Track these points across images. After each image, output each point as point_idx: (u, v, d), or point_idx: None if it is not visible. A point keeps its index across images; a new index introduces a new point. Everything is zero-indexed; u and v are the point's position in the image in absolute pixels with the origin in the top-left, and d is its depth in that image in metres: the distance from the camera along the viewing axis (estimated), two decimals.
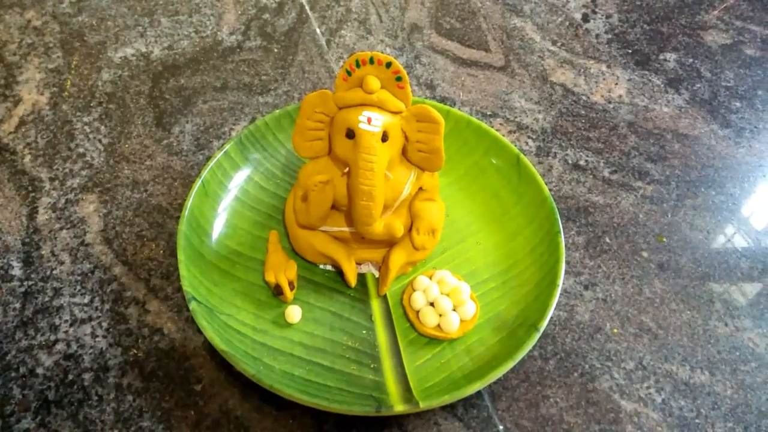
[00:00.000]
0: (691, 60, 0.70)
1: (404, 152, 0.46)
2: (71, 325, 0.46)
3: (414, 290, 0.48)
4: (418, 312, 0.47)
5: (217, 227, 0.51)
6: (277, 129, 0.56)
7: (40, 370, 0.44)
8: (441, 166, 0.46)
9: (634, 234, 0.54)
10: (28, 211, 0.53)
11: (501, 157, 0.55)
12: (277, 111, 0.56)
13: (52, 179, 0.55)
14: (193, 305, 0.43)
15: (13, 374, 0.44)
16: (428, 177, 0.48)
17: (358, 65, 0.43)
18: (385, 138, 0.43)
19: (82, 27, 0.68)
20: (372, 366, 0.45)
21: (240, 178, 0.54)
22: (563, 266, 0.47)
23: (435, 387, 0.43)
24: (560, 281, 0.46)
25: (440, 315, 0.46)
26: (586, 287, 0.51)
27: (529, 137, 0.61)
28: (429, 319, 0.46)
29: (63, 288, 0.48)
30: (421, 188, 0.48)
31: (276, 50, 0.68)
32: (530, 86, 0.66)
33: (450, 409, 0.44)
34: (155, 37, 0.68)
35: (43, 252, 0.50)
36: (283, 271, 0.48)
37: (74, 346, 0.45)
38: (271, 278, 0.47)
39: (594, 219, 0.55)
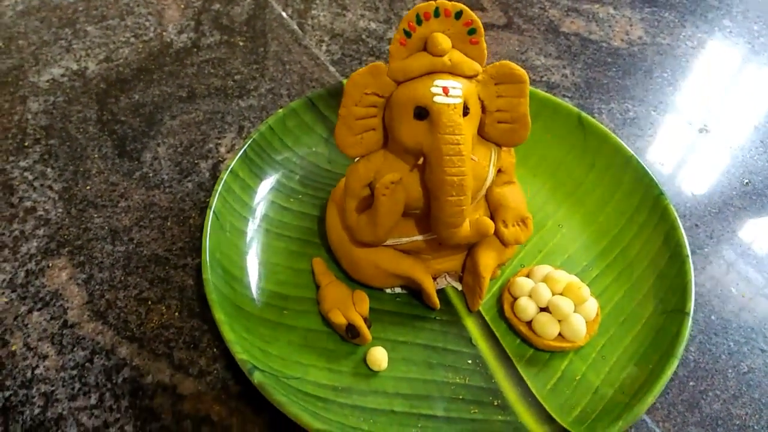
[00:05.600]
0: None
1: (480, 127, 0.36)
2: None
3: (515, 297, 0.38)
4: (530, 322, 0.37)
5: (246, 268, 0.39)
6: (284, 133, 0.45)
7: None
8: (526, 137, 0.37)
9: (719, 182, 0.48)
10: None
11: (556, 120, 0.46)
12: (280, 111, 0.45)
13: None
14: (257, 377, 0.32)
15: None
16: (506, 154, 0.38)
17: (419, 21, 0.33)
18: (466, 111, 0.33)
19: None
20: (496, 403, 0.35)
21: (255, 201, 0.42)
22: (682, 231, 0.39)
23: (587, 413, 0.34)
24: (687, 250, 0.38)
25: (560, 321, 0.37)
26: (692, 252, 0.43)
27: (564, 95, 0.53)
28: (549, 329, 0.36)
29: (56, 391, 0.35)
30: (499, 170, 0.38)
31: (242, 44, 0.56)
32: (543, 41, 0.58)
33: None
34: (85, 50, 0.54)
35: (13, 348, 0.37)
36: (351, 306, 0.37)
37: None
38: (339, 318, 0.36)
39: (670, 173, 0.48)
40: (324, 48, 0.56)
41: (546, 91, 0.53)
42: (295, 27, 0.57)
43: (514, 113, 0.36)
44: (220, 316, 0.34)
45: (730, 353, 0.39)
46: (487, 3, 0.61)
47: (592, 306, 0.37)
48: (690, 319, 0.35)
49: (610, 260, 0.41)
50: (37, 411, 0.34)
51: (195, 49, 0.55)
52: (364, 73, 0.34)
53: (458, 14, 0.33)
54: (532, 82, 0.54)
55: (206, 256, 0.37)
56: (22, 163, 0.46)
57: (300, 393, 0.34)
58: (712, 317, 0.40)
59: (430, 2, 0.33)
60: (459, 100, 0.33)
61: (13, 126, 0.48)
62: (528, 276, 0.39)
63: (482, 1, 0.61)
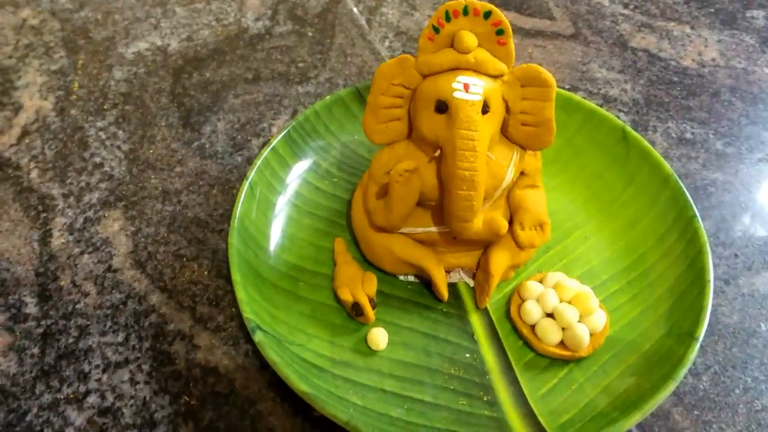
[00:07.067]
0: None
1: (504, 127, 0.37)
2: (104, 371, 0.37)
3: (524, 300, 0.39)
4: (533, 326, 0.38)
5: (271, 238, 0.42)
6: (329, 119, 0.47)
7: (69, 431, 0.35)
8: (551, 142, 0.37)
9: None
10: (40, 234, 0.44)
11: (600, 132, 0.46)
12: (328, 97, 0.47)
13: (65, 195, 0.46)
14: (258, 336, 0.34)
15: None
16: (530, 157, 0.39)
17: (448, 18, 0.34)
18: (485, 109, 0.34)
19: (85, 23, 0.60)
20: (486, 399, 0.36)
21: (291, 178, 0.45)
22: (710, 257, 0.38)
23: (575, 422, 0.34)
24: (710, 276, 0.37)
25: (564, 328, 0.37)
26: (726, 282, 0.42)
27: (620, 110, 0.52)
28: (551, 335, 0.36)
29: (90, 325, 0.39)
30: (522, 172, 0.39)
31: (311, 34, 0.59)
32: (609, 54, 0.57)
33: None
34: (171, 29, 0.59)
35: (62, 283, 0.41)
36: (360, 286, 0.39)
37: (110, 398, 0.36)
38: (346, 295, 0.38)
39: (717, 199, 0.46)
40: (387, 44, 0.58)
41: (600, 104, 0.52)
42: (363, 22, 0.60)
43: (539, 117, 0.36)
44: (236, 277, 0.37)
45: (746, 388, 0.37)
46: (557, 12, 0.61)
47: (599, 319, 0.37)
48: (698, 345, 0.34)
49: (632, 278, 0.40)
50: (71, 340, 0.38)
51: (267, 36, 0.59)
52: (392, 65, 0.35)
53: (487, 14, 0.34)
54: (589, 94, 0.53)
55: (234, 222, 0.39)
56: (99, 124, 0.51)
57: (298, 358, 0.36)
58: (734, 350, 0.39)
59: (460, 0, 0.34)
60: (478, 97, 0.34)
61: (97, 90, 0.53)
62: (540, 281, 0.39)
63: (552, 11, 0.61)
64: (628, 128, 0.44)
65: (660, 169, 0.42)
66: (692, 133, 0.50)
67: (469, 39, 0.34)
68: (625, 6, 0.62)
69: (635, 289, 0.40)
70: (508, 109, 0.36)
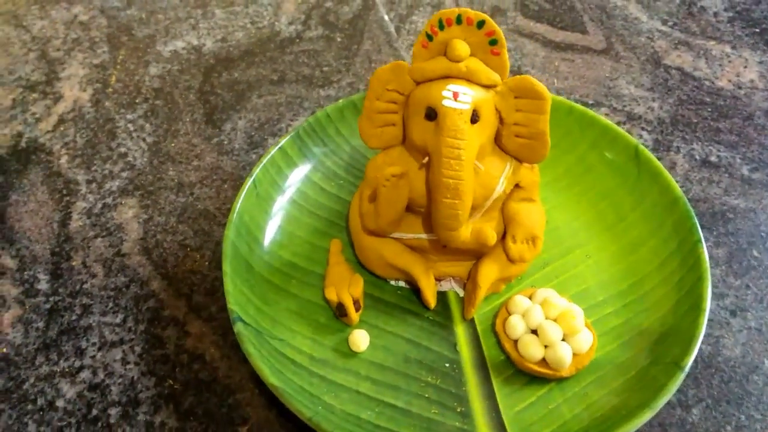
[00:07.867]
0: None
1: (498, 138, 0.37)
2: (99, 349, 0.39)
3: (510, 314, 0.38)
4: (516, 341, 0.37)
5: (269, 235, 0.43)
6: (340, 122, 0.48)
7: (60, 403, 0.37)
8: (545, 156, 0.36)
9: None
10: (61, 216, 0.46)
11: (613, 149, 0.44)
12: (341, 101, 0.48)
13: (89, 182, 0.49)
14: (238, 327, 0.35)
15: (29, 407, 0.37)
16: (527, 171, 0.38)
17: (441, 27, 0.34)
18: (475, 118, 0.34)
19: (130, 21, 0.63)
20: (459, 410, 0.35)
21: (296, 177, 0.46)
22: (709, 285, 0.36)
23: None
24: (706, 304, 0.35)
25: (546, 346, 0.36)
26: (733, 313, 0.40)
27: (643, 129, 0.50)
28: (532, 351, 0.36)
29: (93, 305, 0.41)
30: (517, 185, 0.38)
31: (339, 39, 0.60)
32: (639, 71, 0.55)
33: None
34: (208, 30, 0.61)
35: (73, 263, 0.44)
36: (347, 288, 0.39)
37: (101, 375, 0.38)
38: (332, 296, 0.39)
39: (735, 227, 0.44)
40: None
41: (622, 121, 0.51)
42: (392, 30, 0.60)
43: (533, 129, 0.36)
44: (226, 268, 0.38)
45: (738, 426, 0.35)
46: (590, 27, 0.60)
47: (585, 339, 0.36)
48: (682, 375, 0.33)
49: (627, 302, 0.39)
50: (74, 317, 0.41)
51: (297, 40, 0.60)
52: (387, 70, 0.36)
53: (480, 24, 0.34)
54: (613, 110, 0.52)
55: (233, 216, 0.41)
56: (129, 116, 0.53)
57: (277, 353, 0.36)
58: (731, 384, 0.37)
59: (454, 9, 0.34)
60: (467, 106, 0.33)
61: (132, 84, 0.56)
62: (530, 297, 0.39)
63: (586, 24, 0.60)
64: (642, 147, 0.43)
65: (669, 190, 0.41)
66: (718, 156, 0.48)
67: (461, 48, 0.34)
68: (664, 23, 0.60)
69: (630, 313, 0.38)
70: (501, 120, 0.36)
